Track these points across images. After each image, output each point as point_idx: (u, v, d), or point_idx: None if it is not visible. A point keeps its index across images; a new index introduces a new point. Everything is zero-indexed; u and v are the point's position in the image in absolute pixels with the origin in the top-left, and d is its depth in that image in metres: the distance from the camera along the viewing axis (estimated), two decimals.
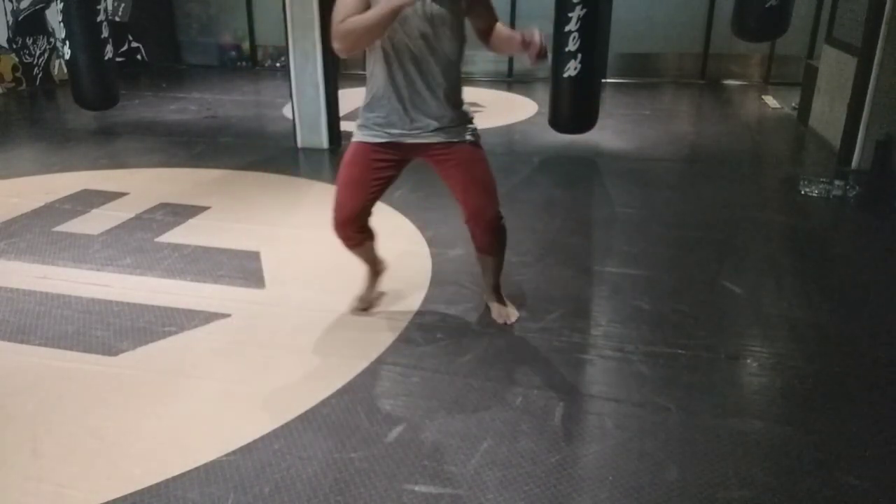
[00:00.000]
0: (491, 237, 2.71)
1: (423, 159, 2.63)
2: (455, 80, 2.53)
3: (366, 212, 2.66)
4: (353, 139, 2.61)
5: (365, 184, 2.59)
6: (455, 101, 2.55)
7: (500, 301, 2.92)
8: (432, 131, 2.52)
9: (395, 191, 4.36)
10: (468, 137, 2.60)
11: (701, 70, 8.61)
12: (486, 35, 2.56)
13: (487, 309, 2.94)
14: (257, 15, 9.63)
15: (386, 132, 2.53)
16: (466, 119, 2.62)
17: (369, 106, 2.55)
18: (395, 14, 2.24)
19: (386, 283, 3.19)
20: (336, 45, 2.31)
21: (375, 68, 2.49)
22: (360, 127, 2.59)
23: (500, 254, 2.81)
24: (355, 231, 2.69)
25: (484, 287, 2.95)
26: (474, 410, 2.30)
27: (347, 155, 2.62)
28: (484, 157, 2.66)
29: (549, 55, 2.27)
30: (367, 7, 2.26)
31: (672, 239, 3.75)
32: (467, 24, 2.52)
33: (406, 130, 2.51)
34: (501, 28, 2.55)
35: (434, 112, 2.50)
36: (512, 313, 2.89)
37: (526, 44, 2.28)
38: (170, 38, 9.96)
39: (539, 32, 2.27)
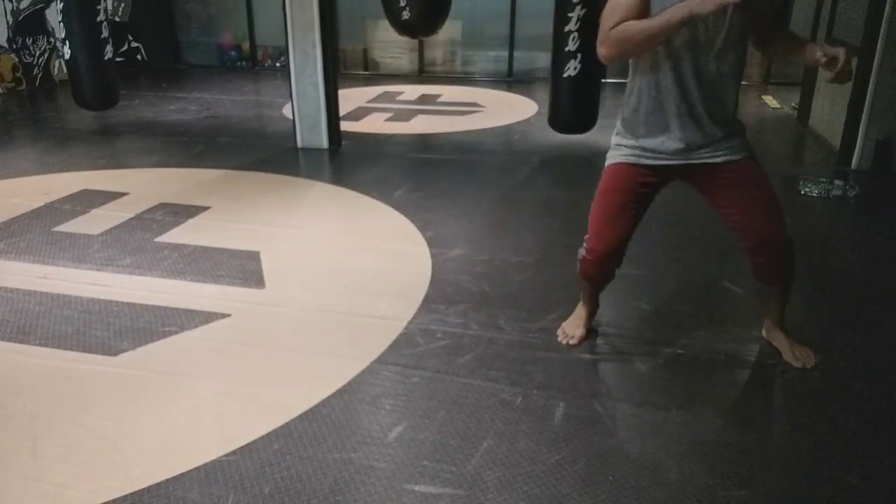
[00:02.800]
0: (780, 266, 2.40)
1: (689, 181, 2.38)
2: (735, 91, 2.27)
3: (627, 241, 2.45)
4: (612, 161, 2.37)
5: (628, 210, 2.37)
6: (732, 113, 2.29)
7: (790, 338, 2.57)
8: (706, 150, 2.26)
9: (395, 191, 4.37)
10: (744, 153, 2.30)
11: None
12: (762, 39, 2.33)
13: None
14: (257, 15, 9.64)
15: (652, 153, 2.29)
16: (741, 132, 2.32)
17: (631, 120, 2.32)
18: (686, 22, 2.00)
19: (386, 282, 3.19)
20: (603, 52, 2.13)
21: (646, 77, 2.23)
22: (619, 145, 2.36)
23: (789, 283, 2.47)
24: (616, 264, 2.51)
25: (766, 323, 2.65)
26: (474, 410, 2.30)
27: (607, 179, 2.38)
28: (763, 172, 2.33)
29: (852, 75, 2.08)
30: (644, 8, 2.06)
31: (672, 239, 3.75)
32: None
33: (675, 150, 2.26)
34: (788, 32, 2.32)
35: (710, 128, 2.23)
36: (807, 356, 2.52)
37: (829, 62, 2.05)
38: (170, 38, 9.96)
39: (845, 52, 2.03)
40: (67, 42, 5.86)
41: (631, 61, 2.28)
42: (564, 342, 2.69)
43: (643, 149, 2.31)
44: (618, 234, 2.41)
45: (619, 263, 2.52)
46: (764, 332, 2.69)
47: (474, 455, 2.09)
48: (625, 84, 2.40)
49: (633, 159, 2.33)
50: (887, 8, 4.57)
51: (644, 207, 2.42)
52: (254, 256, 3.49)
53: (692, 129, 2.23)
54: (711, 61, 2.17)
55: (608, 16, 2.10)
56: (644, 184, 2.35)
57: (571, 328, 2.74)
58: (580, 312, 2.75)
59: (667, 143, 2.26)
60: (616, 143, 2.39)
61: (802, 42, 2.26)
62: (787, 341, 2.57)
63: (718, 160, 2.28)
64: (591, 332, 2.76)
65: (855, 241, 3.91)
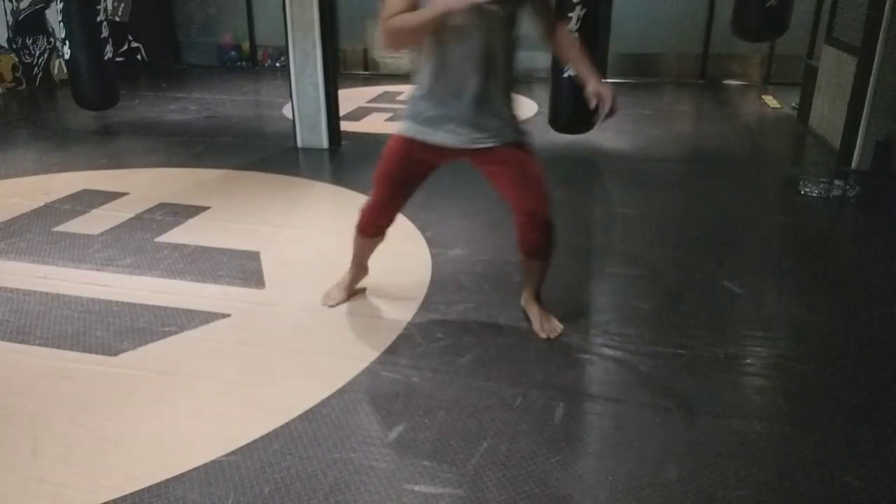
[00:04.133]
0: (543, 239, 2.63)
1: (470, 161, 2.56)
2: (507, 78, 2.44)
3: (397, 206, 2.71)
4: (399, 131, 2.56)
5: (401, 179, 2.62)
6: (506, 99, 2.48)
7: (544, 311, 2.81)
8: (482, 132, 2.44)
9: None
10: (518, 137, 2.53)
11: (701, 70, 8.61)
12: (546, 36, 2.49)
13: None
14: (257, 15, 9.63)
15: (433, 132, 2.47)
16: (516, 117, 2.54)
17: (418, 100, 2.48)
18: (445, 18, 2.19)
19: (386, 282, 3.19)
20: (382, 42, 2.31)
21: (428, 64, 2.41)
22: (408, 119, 2.53)
23: (548, 258, 2.72)
24: (380, 221, 2.76)
25: (525, 296, 2.87)
26: (474, 410, 2.30)
27: (390, 147, 2.58)
28: (534, 154, 2.57)
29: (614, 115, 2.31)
30: (416, 4, 2.22)
31: (672, 239, 3.75)
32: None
33: (452, 131, 2.44)
34: (569, 44, 2.50)
35: (485, 112, 2.42)
36: (557, 326, 2.78)
37: (598, 99, 2.26)
38: (170, 38, 9.96)
39: (612, 96, 2.25)
40: (67, 42, 5.86)
41: (417, 49, 2.43)
42: (324, 304, 2.97)
43: (427, 128, 2.48)
44: (390, 194, 2.66)
45: (387, 221, 2.77)
46: (522, 302, 2.90)
47: (474, 455, 2.09)
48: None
49: (416, 135, 2.51)
50: (887, 8, 4.56)
51: (421, 179, 2.65)
52: (254, 256, 3.49)
53: (468, 114, 2.41)
54: (483, 50, 2.33)
55: (386, 8, 2.25)
56: (422, 158, 2.56)
57: (334, 291, 3.02)
58: (346, 276, 3.02)
59: (446, 126, 2.45)
60: (406, 115, 2.56)
61: (581, 62, 2.44)
62: (538, 313, 2.81)
63: (493, 144, 2.47)
64: (353, 295, 3.03)
65: (855, 241, 3.91)
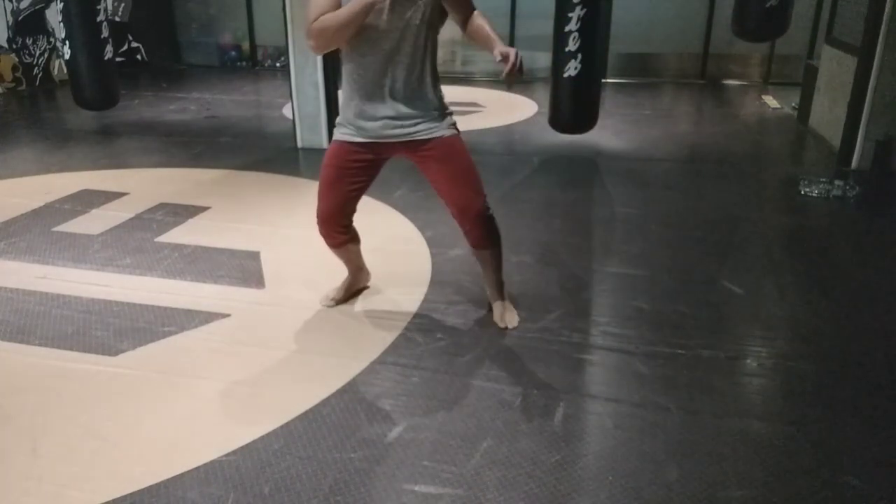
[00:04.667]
0: (481, 230, 2.67)
1: (405, 156, 2.62)
2: (429, 72, 2.50)
3: (346, 211, 2.71)
4: (333, 137, 2.63)
5: (342, 184, 2.62)
6: (431, 93, 2.52)
7: (503, 301, 2.87)
8: (408, 127, 2.50)
9: (395, 191, 4.36)
10: (446, 131, 2.56)
11: (701, 70, 8.61)
12: (462, 24, 2.52)
13: (488, 309, 2.94)
14: (257, 15, 9.63)
15: (362, 131, 2.52)
16: (443, 111, 2.58)
17: (345, 103, 2.55)
18: (366, 11, 2.25)
19: (386, 283, 3.19)
20: (310, 43, 2.35)
21: (350, 64, 2.47)
22: (339, 125, 2.60)
23: (496, 246, 2.76)
24: (336, 230, 2.75)
25: (486, 286, 2.91)
26: (474, 410, 2.30)
27: (327, 154, 2.64)
28: (464, 148, 2.61)
29: (523, 73, 2.33)
30: (339, 5, 2.29)
31: (672, 239, 3.75)
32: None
33: (380, 127, 2.50)
34: (481, 23, 2.49)
35: (409, 106, 2.48)
36: (511, 318, 2.83)
37: (503, 58, 2.29)
38: (170, 38, 9.96)
39: (516, 53, 2.27)
40: (67, 42, 5.85)
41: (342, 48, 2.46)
42: (322, 304, 2.98)
43: (356, 128, 2.54)
44: (335, 202, 2.67)
45: (344, 230, 2.77)
46: (487, 295, 2.91)
47: (474, 455, 2.09)
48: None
49: (347, 137, 2.56)
50: (887, 8, 4.57)
51: (364, 179, 2.65)
52: (254, 256, 3.49)
53: (393, 108, 2.47)
54: (402, 44, 2.39)
55: (309, 11, 2.31)
56: (358, 160, 2.58)
57: (332, 292, 3.02)
58: (345, 280, 3.03)
59: (373, 122, 2.50)
60: (337, 122, 2.62)
61: (492, 39, 2.43)
62: (499, 304, 2.85)
63: (421, 137, 2.52)
64: (353, 296, 3.04)
65: (855, 241, 3.91)
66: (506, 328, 2.80)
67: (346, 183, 2.63)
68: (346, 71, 2.50)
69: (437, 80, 2.55)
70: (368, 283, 3.13)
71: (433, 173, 2.61)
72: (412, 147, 2.56)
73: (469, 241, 2.75)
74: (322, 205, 2.69)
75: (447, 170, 2.58)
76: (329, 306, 2.98)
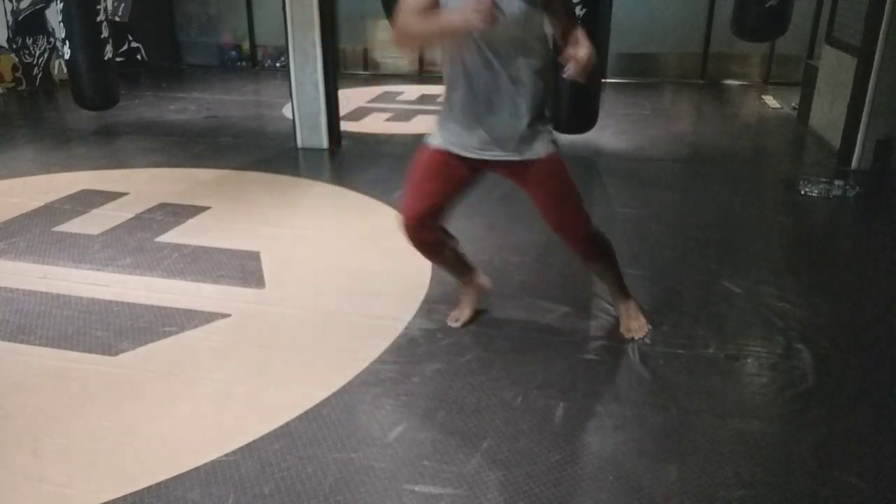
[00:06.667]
0: (585, 250, 2.61)
1: (500, 174, 2.48)
2: (537, 89, 2.31)
3: (436, 214, 2.53)
4: (430, 140, 2.46)
5: (437, 188, 2.47)
6: (536, 112, 2.34)
7: (627, 309, 2.75)
8: (507, 147, 2.34)
9: (395, 190, 4.36)
10: (545, 151, 2.38)
11: (701, 70, 8.61)
12: (564, 38, 2.30)
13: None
14: (257, 15, 9.63)
15: (460, 143, 2.38)
16: (546, 130, 2.40)
17: (447, 112, 2.38)
18: (449, 35, 2.13)
19: (386, 282, 3.19)
20: (394, 40, 2.26)
21: (451, 72, 2.30)
22: (439, 127, 2.43)
23: (602, 260, 2.67)
24: (426, 231, 2.55)
25: (613, 297, 2.82)
26: (474, 410, 2.30)
27: (421, 156, 2.48)
28: (563, 168, 2.45)
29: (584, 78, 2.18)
30: (434, 2, 2.14)
31: (672, 239, 3.75)
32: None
33: (479, 145, 2.35)
34: (576, 31, 2.29)
35: (511, 126, 2.31)
36: (636, 328, 2.73)
37: (570, 56, 2.15)
38: (170, 38, 9.96)
39: (586, 56, 2.13)
40: (67, 42, 5.85)
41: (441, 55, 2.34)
42: (450, 324, 2.82)
43: (455, 140, 2.39)
44: (422, 205, 2.50)
45: (431, 232, 2.58)
46: (613, 302, 2.84)
47: (474, 455, 2.09)
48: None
49: (445, 146, 2.41)
50: (887, 8, 4.56)
51: (458, 188, 2.49)
52: (254, 256, 3.49)
53: (494, 126, 2.31)
54: (497, 64, 2.23)
55: (400, 6, 2.17)
56: (453, 169, 2.43)
57: (457, 312, 2.85)
58: (463, 293, 2.86)
59: (471, 137, 2.35)
60: (436, 124, 2.46)
61: (578, 40, 2.24)
62: (624, 313, 2.77)
63: (520, 158, 2.36)
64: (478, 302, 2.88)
65: (855, 241, 3.91)
66: (632, 339, 2.70)
67: (442, 188, 2.48)
68: (448, 80, 2.32)
69: (541, 97, 2.35)
70: (482, 285, 2.88)
71: (534, 196, 2.49)
72: (512, 167, 2.41)
73: (579, 259, 2.72)
74: (408, 206, 2.52)
75: (546, 195, 2.46)
76: (458, 325, 2.81)
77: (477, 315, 2.87)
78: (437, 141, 2.44)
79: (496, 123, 2.32)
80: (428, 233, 2.57)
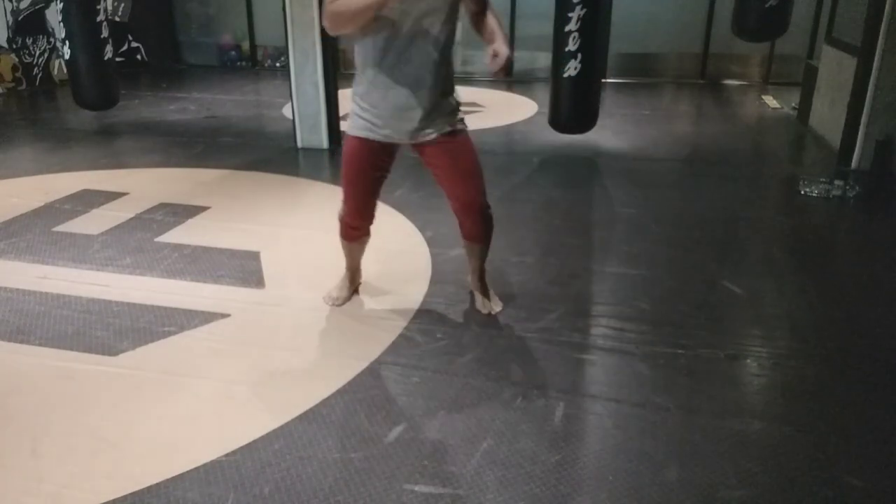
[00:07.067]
0: (480, 226, 2.75)
1: (412, 150, 2.64)
2: (446, 68, 2.50)
3: (373, 207, 2.77)
4: (349, 132, 2.61)
5: (368, 178, 2.67)
6: (446, 90, 2.53)
7: (484, 290, 2.96)
8: (421, 124, 2.50)
9: (395, 190, 4.36)
10: (457, 126, 2.59)
11: (701, 70, 8.61)
12: (476, 19, 2.50)
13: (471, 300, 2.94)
14: (257, 15, 9.63)
15: (378, 129, 2.53)
16: (455, 108, 2.60)
17: (363, 96, 2.53)
18: (380, 6, 2.22)
19: (386, 282, 3.19)
20: (325, 25, 2.35)
21: (367, 56, 2.46)
22: (354, 117, 2.58)
23: (488, 241, 2.85)
24: (367, 223, 2.83)
25: (470, 275, 2.99)
26: (474, 410, 2.30)
27: (347, 150, 2.63)
28: (472, 145, 2.64)
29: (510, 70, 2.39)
30: None
31: (672, 239, 3.75)
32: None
33: (396, 124, 2.50)
34: (491, 19, 2.49)
35: (425, 103, 2.47)
36: (495, 304, 2.94)
37: (493, 55, 2.33)
38: (170, 38, 9.96)
39: (507, 55, 2.33)
40: (67, 42, 5.86)
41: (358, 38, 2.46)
42: (327, 303, 2.99)
43: (372, 125, 2.53)
44: (361, 196, 2.72)
45: (369, 222, 2.84)
46: (469, 283, 3.02)
47: (474, 455, 2.09)
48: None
49: (367, 133, 2.55)
50: (887, 8, 4.57)
51: (385, 173, 2.70)
52: (254, 256, 3.49)
53: (409, 106, 2.47)
54: (417, 38, 2.38)
55: None
56: (379, 154, 2.61)
57: (335, 291, 3.04)
58: (343, 278, 3.06)
59: (387, 117, 2.50)
60: (351, 111, 2.59)
61: (496, 34, 2.43)
62: (481, 293, 2.96)
63: (433, 135, 2.53)
64: (353, 293, 3.07)
65: (855, 241, 3.91)
66: (489, 314, 2.89)
67: (370, 176, 2.66)
68: (362, 64, 2.48)
69: (452, 75, 2.55)
70: (361, 280, 3.16)
71: (438, 168, 2.63)
72: (425, 144, 2.57)
73: (462, 234, 2.83)
74: (351, 200, 2.74)
75: (452, 167, 2.61)
76: (338, 305, 2.99)
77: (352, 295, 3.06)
78: (356, 130, 2.58)
79: (410, 102, 2.46)
80: (365, 231, 2.87)
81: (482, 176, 2.68)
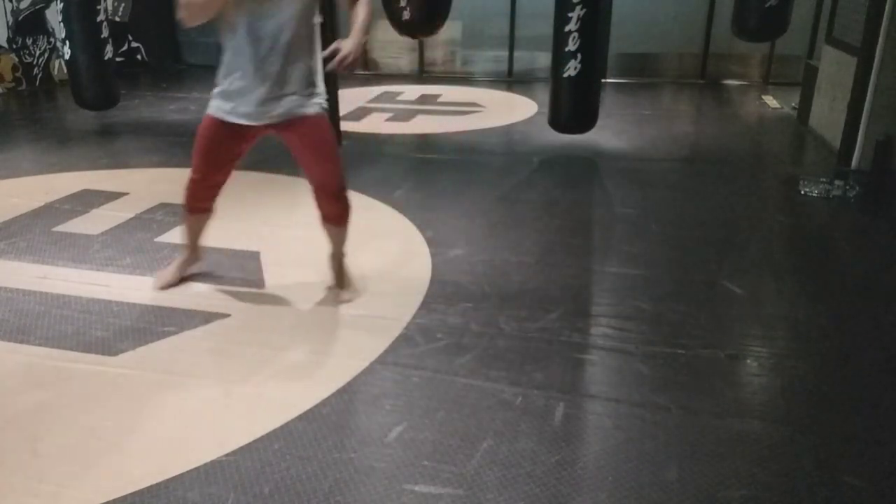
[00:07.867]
0: (337, 207, 2.86)
1: (272, 133, 2.74)
2: (305, 52, 2.58)
3: (221, 182, 2.93)
4: (208, 110, 2.72)
5: (217, 156, 2.82)
6: (304, 73, 2.61)
7: (340, 277, 3.05)
8: (281, 105, 2.60)
9: (395, 190, 4.37)
10: (315, 109, 2.68)
11: (701, 70, 8.61)
12: (348, 7, 2.62)
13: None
14: None
15: (236, 110, 2.63)
16: (314, 90, 2.68)
17: (222, 79, 2.63)
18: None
19: (386, 282, 3.19)
20: (181, 15, 2.39)
21: (225, 42, 2.55)
22: (215, 97, 2.68)
23: (346, 223, 2.94)
24: (211, 199, 2.97)
25: (330, 262, 3.07)
26: (474, 410, 2.30)
27: (201, 125, 2.76)
28: (327, 128, 2.75)
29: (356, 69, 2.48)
30: None
31: (672, 239, 3.75)
32: None
33: (254, 107, 2.60)
34: (358, 11, 2.58)
35: (282, 85, 2.57)
36: (350, 293, 3.01)
37: (333, 51, 2.45)
38: (170, 38, 9.95)
39: (345, 55, 2.45)
40: (67, 42, 5.85)
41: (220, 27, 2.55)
42: (156, 287, 3.08)
43: (226, 107, 2.66)
44: (209, 172, 2.90)
45: (213, 198, 3.00)
46: (328, 261, 3.10)
47: (474, 455, 2.09)
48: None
49: (220, 115, 2.68)
50: (887, 8, 4.57)
51: (237, 154, 2.85)
52: (254, 256, 3.49)
53: (262, 90, 2.57)
54: (270, 28, 2.47)
55: None
56: (231, 136, 2.74)
57: (166, 273, 3.12)
58: (180, 258, 3.14)
59: (243, 103, 2.61)
60: (214, 92, 2.70)
61: (354, 31, 2.56)
62: (339, 273, 3.07)
63: (286, 117, 2.65)
64: (186, 278, 3.13)
65: (855, 241, 3.91)
66: (343, 301, 2.98)
67: (219, 155, 2.82)
68: (224, 48, 2.57)
69: (313, 59, 2.62)
70: (200, 269, 3.21)
71: (296, 151, 2.76)
72: (285, 127, 2.69)
73: (323, 217, 2.91)
74: (197, 172, 2.88)
75: (309, 149, 2.73)
76: (162, 288, 3.07)
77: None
78: (213, 110, 2.70)
79: (268, 86, 2.56)
80: (210, 201, 2.97)
81: (338, 159, 2.79)
